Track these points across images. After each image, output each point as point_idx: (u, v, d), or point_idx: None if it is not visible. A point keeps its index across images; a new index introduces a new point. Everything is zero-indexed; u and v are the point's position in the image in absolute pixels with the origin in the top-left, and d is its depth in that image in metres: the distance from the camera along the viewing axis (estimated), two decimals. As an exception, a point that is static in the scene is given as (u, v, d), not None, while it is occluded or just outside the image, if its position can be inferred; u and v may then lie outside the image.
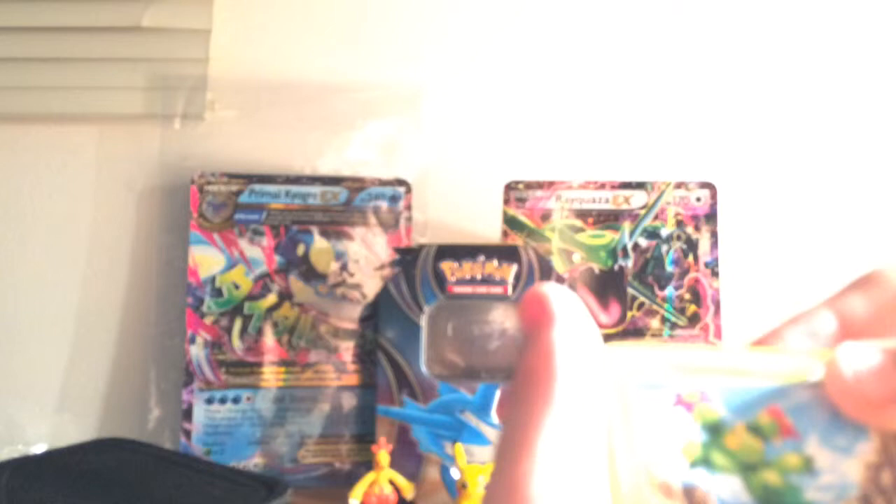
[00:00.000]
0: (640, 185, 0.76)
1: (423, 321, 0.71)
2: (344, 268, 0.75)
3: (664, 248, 0.75)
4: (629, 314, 0.74)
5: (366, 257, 0.76)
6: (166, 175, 0.80)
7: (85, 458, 0.63)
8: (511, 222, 0.76)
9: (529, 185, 0.76)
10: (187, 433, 0.71)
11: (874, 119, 0.82)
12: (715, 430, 0.19)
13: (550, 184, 0.76)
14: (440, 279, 0.71)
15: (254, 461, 0.72)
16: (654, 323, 0.74)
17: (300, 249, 0.75)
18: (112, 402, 0.78)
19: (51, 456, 0.66)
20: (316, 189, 0.76)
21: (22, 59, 0.80)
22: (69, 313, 0.79)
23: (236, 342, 0.73)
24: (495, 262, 0.71)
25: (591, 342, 0.18)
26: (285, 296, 0.74)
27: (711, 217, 0.75)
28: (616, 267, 0.75)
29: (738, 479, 0.18)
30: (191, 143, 0.80)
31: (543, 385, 0.17)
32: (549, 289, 0.18)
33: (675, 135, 0.82)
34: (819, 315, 0.21)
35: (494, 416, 0.68)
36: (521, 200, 0.76)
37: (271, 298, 0.74)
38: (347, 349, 0.74)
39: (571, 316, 0.18)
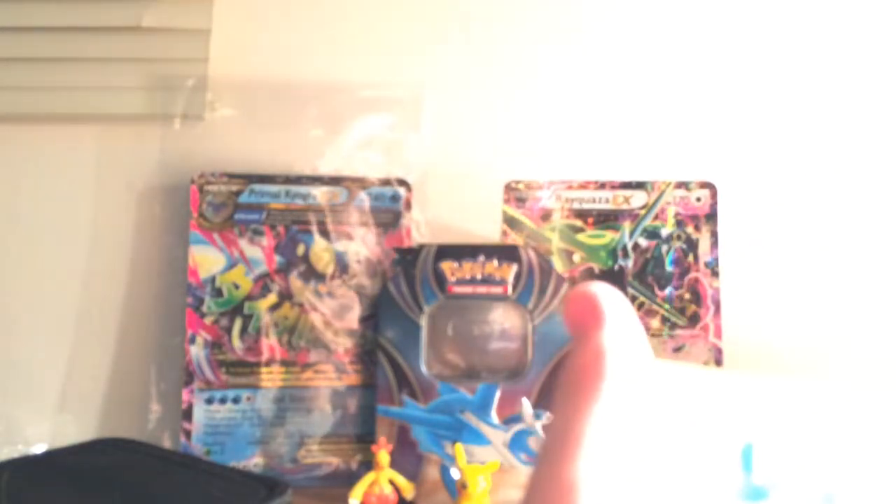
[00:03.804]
0: (640, 185, 0.76)
1: (423, 321, 0.71)
2: (344, 268, 0.75)
3: (664, 248, 0.75)
4: (629, 314, 0.74)
5: (366, 257, 0.76)
6: (166, 175, 0.80)
7: (85, 458, 0.63)
8: (511, 222, 0.76)
9: (529, 185, 0.76)
10: (187, 433, 0.71)
11: (874, 119, 0.82)
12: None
13: (550, 184, 0.76)
14: (440, 279, 0.71)
15: (254, 461, 0.72)
16: (654, 323, 0.74)
17: (300, 249, 0.75)
18: (112, 402, 0.78)
19: (51, 456, 0.66)
20: (316, 189, 0.76)
21: (22, 59, 0.79)
22: (69, 313, 0.79)
23: (236, 342, 0.73)
24: (495, 262, 0.71)
25: (639, 345, 0.18)
26: (285, 296, 0.74)
27: (711, 217, 0.75)
28: (616, 267, 0.75)
29: None
30: (191, 143, 0.80)
31: (592, 385, 0.17)
32: (597, 288, 0.19)
33: (675, 135, 0.82)
34: None
35: (494, 416, 0.68)
36: (521, 200, 0.76)
37: (271, 298, 0.74)
38: (347, 349, 0.74)
39: (620, 318, 0.18)
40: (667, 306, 0.74)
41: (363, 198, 0.76)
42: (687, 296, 0.74)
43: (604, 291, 0.19)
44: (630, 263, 0.75)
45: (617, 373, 0.17)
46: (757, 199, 0.81)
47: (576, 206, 0.76)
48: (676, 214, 0.75)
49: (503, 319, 0.71)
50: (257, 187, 0.75)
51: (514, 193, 0.76)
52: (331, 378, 0.74)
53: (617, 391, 0.17)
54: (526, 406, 0.68)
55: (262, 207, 0.75)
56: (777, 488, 0.18)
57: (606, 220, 0.75)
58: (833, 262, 0.81)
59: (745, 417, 0.19)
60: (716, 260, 0.74)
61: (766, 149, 0.82)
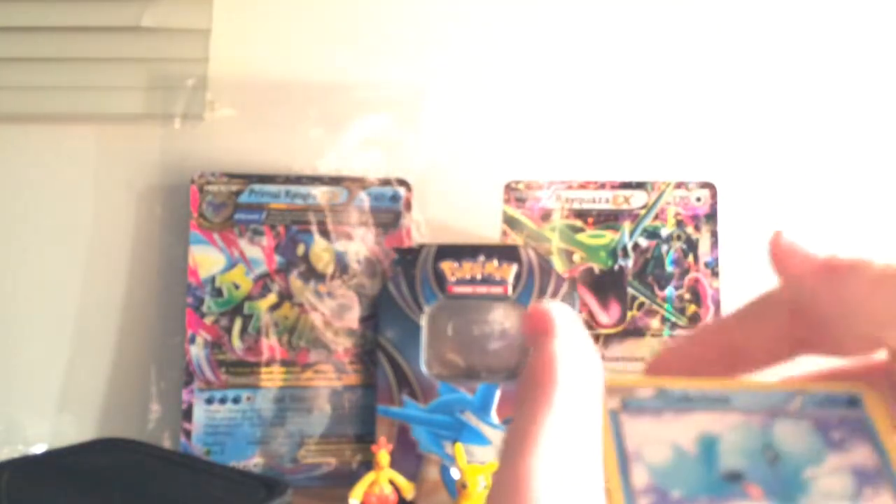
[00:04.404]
0: (640, 185, 0.76)
1: (423, 321, 0.71)
2: (344, 268, 0.75)
3: (664, 248, 0.75)
4: (629, 314, 0.74)
5: (366, 257, 0.76)
6: (166, 175, 0.80)
7: (85, 458, 0.63)
8: (511, 222, 0.76)
9: (529, 185, 0.76)
10: (187, 433, 0.71)
11: (874, 119, 0.82)
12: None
13: (550, 184, 0.76)
14: (440, 279, 0.71)
15: (254, 461, 0.72)
16: (654, 323, 0.74)
17: (300, 249, 0.75)
18: (112, 402, 0.78)
19: (51, 456, 0.66)
20: (316, 189, 0.76)
21: (22, 59, 0.79)
22: (69, 313, 0.79)
23: (236, 342, 0.73)
24: (495, 262, 0.71)
25: (587, 353, 0.20)
26: (285, 296, 0.74)
27: (711, 217, 0.75)
28: (616, 267, 0.75)
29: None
30: (191, 143, 0.80)
31: (545, 389, 0.19)
32: (550, 305, 0.21)
33: (675, 135, 0.82)
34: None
35: (494, 416, 0.68)
36: (521, 200, 0.76)
37: (271, 298, 0.74)
38: (347, 349, 0.74)
39: (570, 329, 0.20)
40: (667, 306, 0.74)
41: (363, 198, 0.76)
42: (687, 296, 0.74)
43: (556, 308, 0.21)
44: (630, 263, 0.75)
45: (568, 378, 0.19)
46: (757, 199, 0.81)
47: (576, 206, 0.76)
48: (676, 214, 0.75)
49: (503, 319, 0.71)
50: (257, 187, 0.75)
51: (514, 193, 0.76)
52: (331, 378, 0.74)
53: (568, 395, 0.19)
54: (526, 406, 0.67)
55: (262, 207, 0.75)
56: (749, 474, 0.19)
57: (606, 220, 0.75)
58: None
59: (695, 415, 0.20)
60: (716, 260, 0.74)
61: (766, 149, 0.82)
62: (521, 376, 0.20)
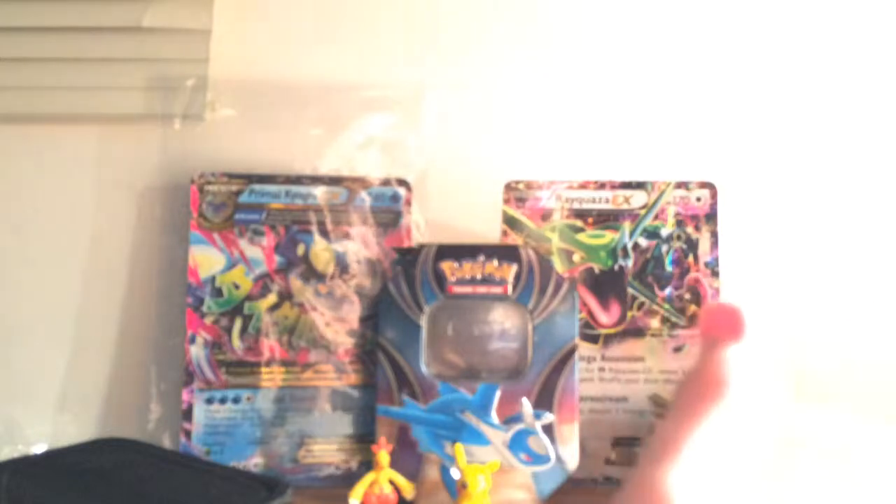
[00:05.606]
0: (640, 185, 0.76)
1: (423, 321, 0.71)
2: (344, 268, 0.75)
3: (664, 248, 0.75)
4: (629, 314, 0.74)
5: (366, 257, 0.76)
6: (166, 175, 0.80)
7: (85, 458, 0.63)
8: (511, 222, 0.76)
9: (529, 185, 0.76)
10: (187, 433, 0.71)
11: (874, 119, 0.82)
12: None
13: (550, 184, 0.76)
14: (440, 279, 0.71)
15: (254, 461, 0.72)
16: (654, 323, 0.74)
17: (300, 249, 0.75)
18: (112, 402, 0.78)
19: (51, 456, 0.66)
20: (316, 189, 0.76)
21: (22, 59, 0.80)
22: (69, 313, 0.79)
23: (236, 342, 0.73)
24: (495, 262, 0.71)
25: (768, 367, 0.18)
26: (285, 296, 0.74)
27: (711, 217, 0.75)
28: (616, 267, 0.75)
29: None
30: (191, 143, 0.80)
31: (708, 399, 0.17)
32: (738, 305, 0.19)
33: (675, 135, 0.82)
34: None
35: (494, 416, 0.68)
36: (521, 200, 0.76)
37: (271, 298, 0.74)
38: (347, 349, 0.74)
39: (757, 338, 0.18)
40: (667, 306, 0.74)
41: (363, 198, 0.76)
42: (687, 296, 0.74)
43: (745, 311, 0.19)
44: (630, 263, 0.75)
45: (737, 393, 0.17)
46: (757, 199, 0.81)
47: (576, 206, 0.76)
48: (676, 214, 0.75)
49: (503, 319, 0.71)
50: (257, 187, 0.75)
51: (514, 193, 0.76)
52: (331, 378, 0.74)
53: (730, 412, 0.17)
54: (526, 406, 0.68)
55: (262, 207, 0.75)
56: None
57: (606, 220, 0.75)
58: (833, 261, 0.81)
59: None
60: (716, 260, 0.74)
61: (766, 149, 0.82)
62: (688, 375, 0.18)
